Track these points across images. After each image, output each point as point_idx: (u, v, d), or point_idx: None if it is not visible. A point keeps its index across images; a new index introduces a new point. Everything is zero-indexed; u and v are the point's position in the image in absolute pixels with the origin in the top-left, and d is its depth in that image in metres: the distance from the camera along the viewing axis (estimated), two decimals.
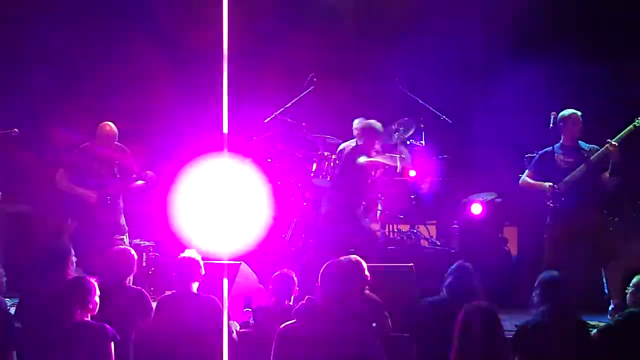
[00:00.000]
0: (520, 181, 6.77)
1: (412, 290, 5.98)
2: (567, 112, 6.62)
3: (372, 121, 7.30)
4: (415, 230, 8.08)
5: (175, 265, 5.22)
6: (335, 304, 3.86)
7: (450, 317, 4.46)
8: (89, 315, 4.53)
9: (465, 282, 4.85)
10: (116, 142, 6.98)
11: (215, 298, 5.07)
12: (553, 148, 6.62)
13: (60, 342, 4.39)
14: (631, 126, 6.38)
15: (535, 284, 4.78)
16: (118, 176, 6.90)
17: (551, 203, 6.45)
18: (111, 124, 6.94)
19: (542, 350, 4.47)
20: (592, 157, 6.44)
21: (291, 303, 5.10)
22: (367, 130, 7.27)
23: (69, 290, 4.56)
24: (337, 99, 9.17)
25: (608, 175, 6.41)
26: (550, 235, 6.52)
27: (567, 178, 6.48)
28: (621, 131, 6.41)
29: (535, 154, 7.19)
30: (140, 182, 7.01)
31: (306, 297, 4.13)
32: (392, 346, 4.77)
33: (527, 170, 6.78)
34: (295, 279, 5.29)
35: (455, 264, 5.00)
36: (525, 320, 4.73)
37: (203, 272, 5.21)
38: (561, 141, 6.66)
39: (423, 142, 8.08)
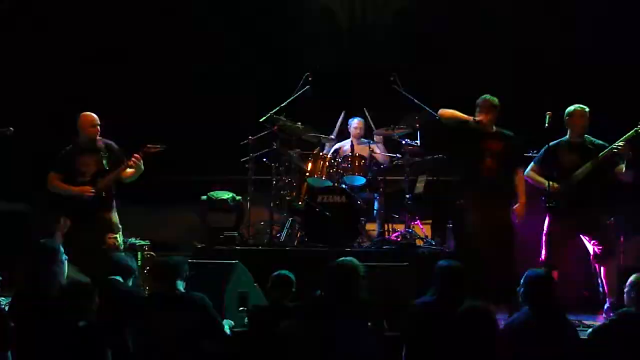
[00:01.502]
0: (525, 174, 6.71)
1: (408, 290, 5.97)
2: (573, 107, 6.57)
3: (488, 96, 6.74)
4: (410, 230, 8.07)
5: None
6: (335, 303, 3.86)
7: (439, 317, 4.46)
8: (88, 317, 4.52)
9: (454, 282, 4.83)
10: (99, 137, 6.85)
11: (204, 296, 5.04)
12: (559, 143, 6.60)
13: (59, 343, 4.37)
14: (633, 131, 6.32)
15: (521, 282, 4.78)
16: (107, 168, 6.84)
17: (549, 203, 6.42)
18: (91, 113, 6.84)
19: (526, 349, 4.46)
20: (599, 157, 6.40)
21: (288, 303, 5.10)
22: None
23: (69, 292, 4.54)
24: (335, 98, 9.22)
25: (624, 169, 6.36)
26: (548, 233, 6.48)
27: (571, 177, 6.45)
28: (623, 135, 6.36)
29: (530, 153, 7.19)
30: (130, 169, 6.85)
31: (307, 297, 4.13)
32: (388, 345, 4.77)
33: (532, 164, 6.75)
34: (293, 278, 5.28)
35: (442, 264, 4.98)
36: (511, 318, 4.73)
37: None
38: (567, 136, 6.62)
39: (418, 141, 8.06)
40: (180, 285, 5.10)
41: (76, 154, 6.86)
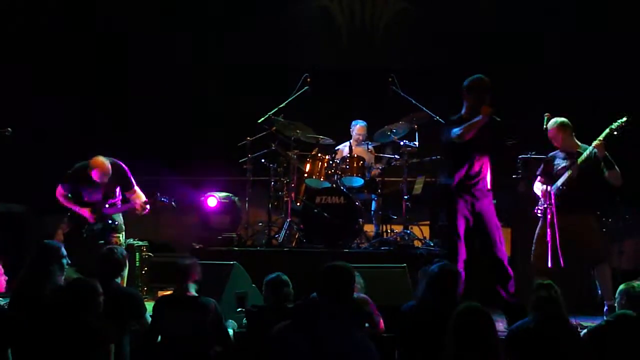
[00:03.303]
0: (534, 188, 6.62)
1: (405, 291, 5.98)
2: (556, 120, 6.53)
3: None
4: (408, 231, 8.08)
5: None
6: (330, 305, 3.86)
7: (427, 320, 4.47)
8: (92, 314, 4.53)
9: (438, 286, 4.82)
10: (110, 173, 6.85)
11: (214, 301, 5.06)
12: (556, 153, 6.61)
13: (60, 342, 4.37)
14: (608, 130, 6.30)
15: (531, 290, 4.77)
16: (111, 196, 6.95)
17: (543, 208, 6.37)
18: (102, 159, 6.77)
19: (533, 354, 4.47)
20: (578, 161, 6.41)
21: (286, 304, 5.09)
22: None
23: (73, 291, 4.55)
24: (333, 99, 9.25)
25: (607, 172, 6.34)
26: (541, 236, 6.43)
27: (558, 184, 6.46)
28: (601, 133, 6.34)
29: (528, 156, 7.19)
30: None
31: (302, 298, 4.13)
32: (385, 347, 4.77)
33: (538, 177, 6.62)
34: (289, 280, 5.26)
35: (423, 268, 4.97)
36: (517, 323, 4.73)
37: None
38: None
39: (417, 142, 8.07)
40: (192, 288, 5.13)
41: (84, 185, 6.88)
